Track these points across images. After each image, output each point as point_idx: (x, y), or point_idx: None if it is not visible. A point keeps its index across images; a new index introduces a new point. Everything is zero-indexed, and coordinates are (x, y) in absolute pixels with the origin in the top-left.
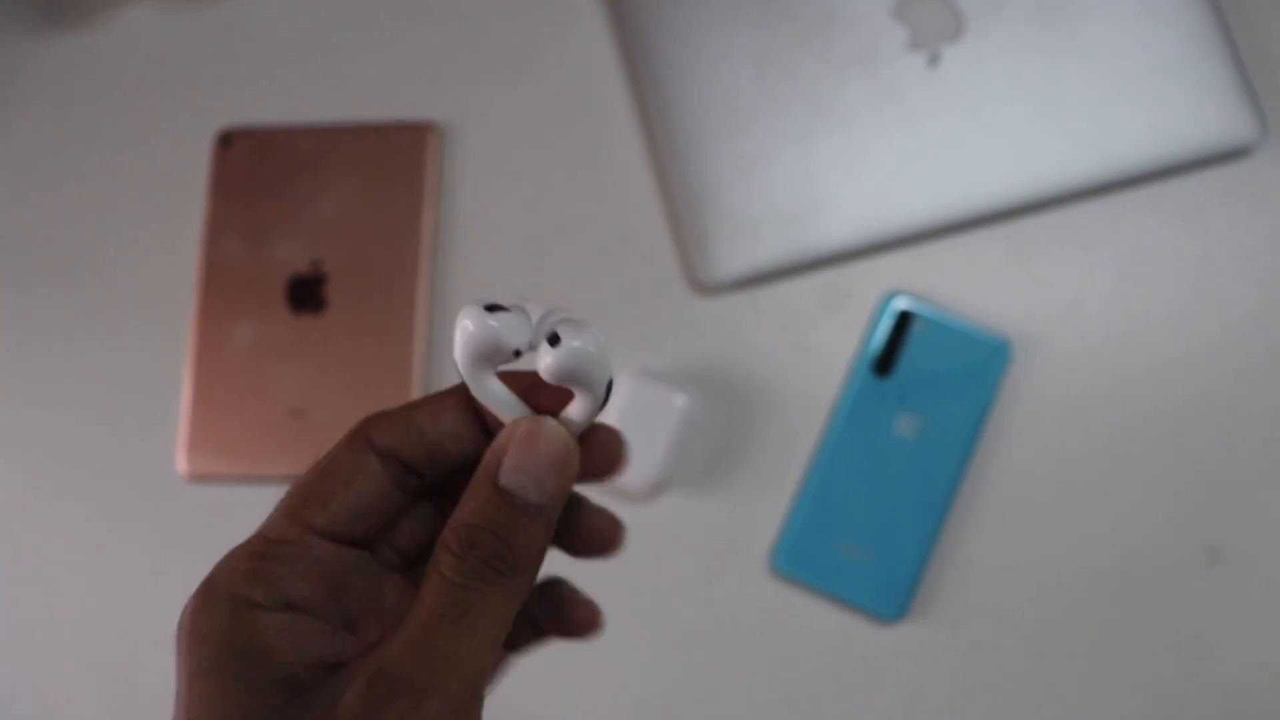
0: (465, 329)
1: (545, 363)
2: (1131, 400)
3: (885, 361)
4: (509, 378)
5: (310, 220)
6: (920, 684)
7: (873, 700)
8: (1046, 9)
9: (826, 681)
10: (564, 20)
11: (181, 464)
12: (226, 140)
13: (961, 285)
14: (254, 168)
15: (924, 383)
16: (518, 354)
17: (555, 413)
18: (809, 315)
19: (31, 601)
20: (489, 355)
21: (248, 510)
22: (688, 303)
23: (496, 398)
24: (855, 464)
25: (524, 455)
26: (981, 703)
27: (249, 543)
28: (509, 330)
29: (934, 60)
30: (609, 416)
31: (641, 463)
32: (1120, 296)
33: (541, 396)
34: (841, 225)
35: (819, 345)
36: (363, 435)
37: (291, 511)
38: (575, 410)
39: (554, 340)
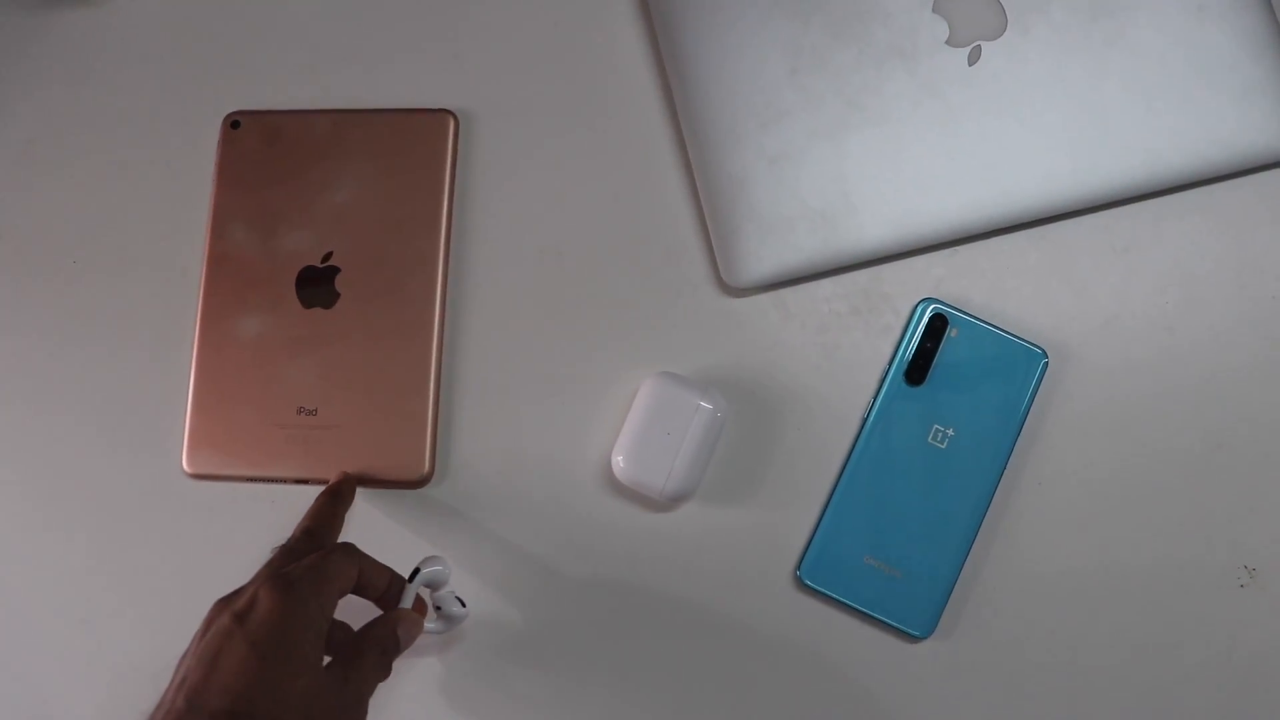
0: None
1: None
2: (1169, 414)
3: (918, 369)
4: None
5: (322, 209)
6: (948, 704)
7: (898, 719)
8: (1092, 5)
9: (850, 700)
10: (591, 7)
11: (185, 463)
12: (235, 124)
13: (997, 291)
14: (263, 153)
15: (958, 391)
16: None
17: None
18: (840, 319)
19: (35, 600)
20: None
21: (252, 510)
22: (715, 303)
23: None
24: (885, 474)
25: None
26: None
27: None
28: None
29: (974, 57)
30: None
31: (664, 468)
32: (1160, 306)
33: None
34: (875, 226)
35: (850, 350)
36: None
37: None
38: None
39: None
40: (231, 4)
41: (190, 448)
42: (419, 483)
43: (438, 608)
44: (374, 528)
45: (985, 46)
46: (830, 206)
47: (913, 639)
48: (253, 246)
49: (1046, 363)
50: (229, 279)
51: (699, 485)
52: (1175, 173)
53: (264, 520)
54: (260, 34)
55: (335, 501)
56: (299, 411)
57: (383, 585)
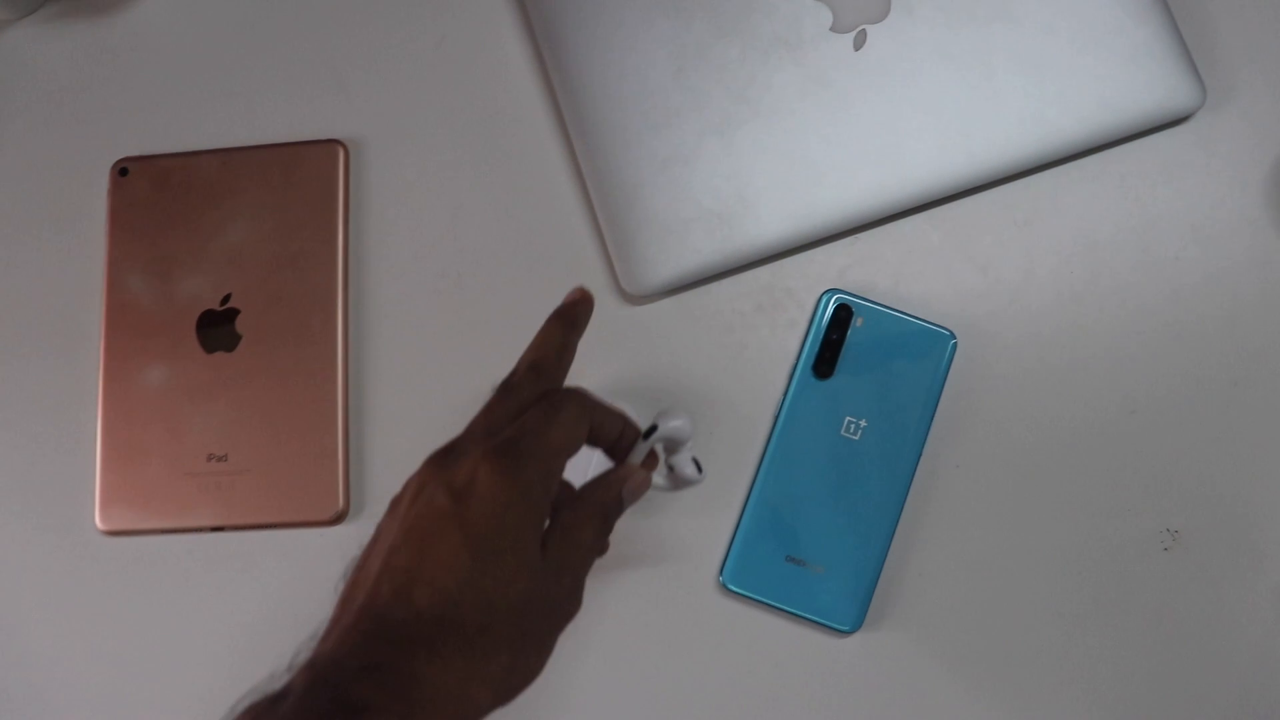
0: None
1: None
2: (1083, 383)
3: (825, 362)
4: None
5: (217, 251)
6: (883, 694)
7: (834, 715)
8: None
9: (785, 699)
10: (471, 25)
11: (99, 521)
12: (123, 171)
13: (901, 276)
14: (154, 198)
15: (868, 381)
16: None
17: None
18: (745, 318)
19: None
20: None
21: (173, 564)
22: (618, 313)
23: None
24: (800, 471)
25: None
26: (949, 707)
27: None
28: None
29: (860, 42)
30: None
31: (576, 484)
32: (1066, 275)
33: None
34: (773, 221)
35: (758, 349)
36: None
37: None
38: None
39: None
40: (108, 51)
41: (103, 505)
42: (335, 520)
43: (670, 467)
44: (290, 569)
45: (870, 30)
46: (726, 205)
47: (841, 634)
48: (151, 294)
49: (955, 344)
50: (129, 330)
51: None
52: (1070, 141)
53: (184, 571)
54: (142, 78)
55: (567, 327)
56: (209, 458)
57: (614, 435)
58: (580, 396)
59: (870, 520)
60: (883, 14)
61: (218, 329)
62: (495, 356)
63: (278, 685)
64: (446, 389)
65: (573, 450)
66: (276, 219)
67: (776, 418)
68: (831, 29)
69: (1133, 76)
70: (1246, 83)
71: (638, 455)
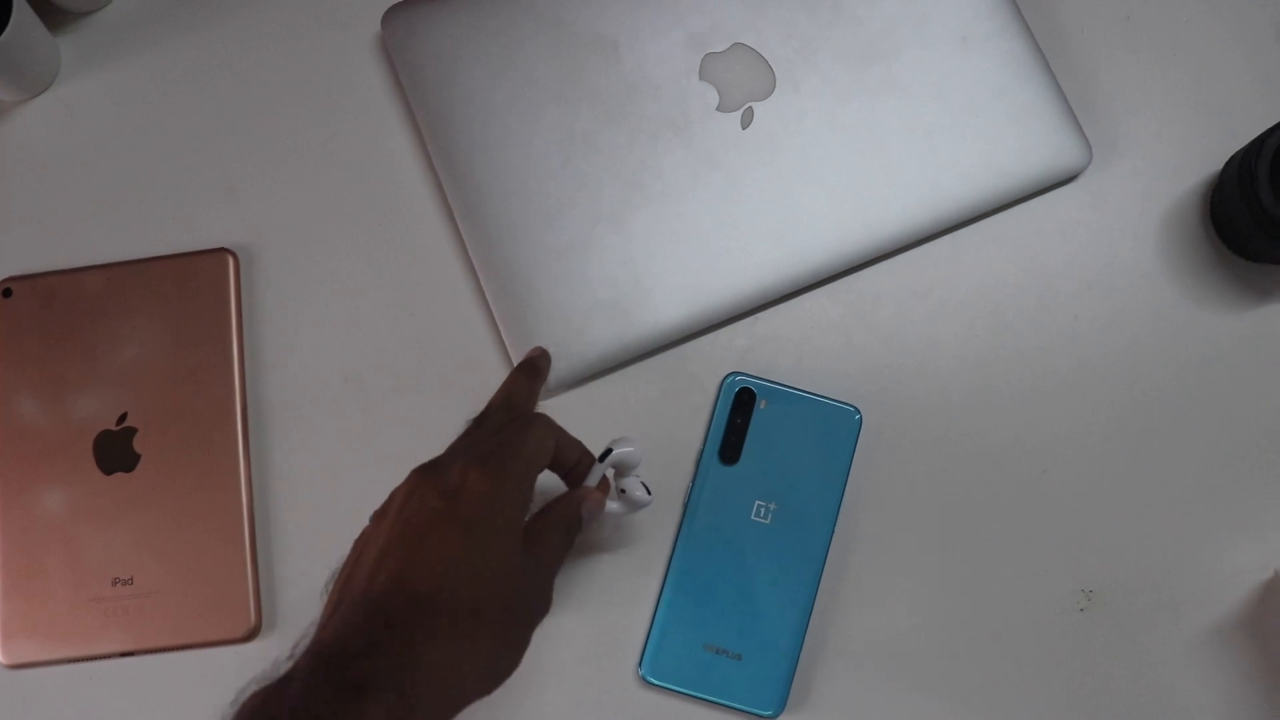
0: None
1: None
2: (993, 446)
3: (730, 447)
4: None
5: (110, 369)
6: None
7: None
8: (858, 50)
9: None
10: (357, 123)
11: (1, 655)
12: (7, 292)
13: (804, 353)
14: (41, 318)
15: (775, 463)
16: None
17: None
18: (651, 405)
19: None
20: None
21: (82, 694)
22: None
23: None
24: (712, 558)
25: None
26: None
27: None
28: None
29: (747, 120)
30: None
31: None
32: (969, 340)
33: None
34: (671, 307)
35: (665, 437)
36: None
37: None
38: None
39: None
40: None
41: (5, 638)
42: (248, 636)
43: (621, 490)
44: (205, 690)
45: (757, 107)
46: (623, 293)
47: (766, 719)
48: (43, 417)
49: (861, 418)
50: (23, 455)
51: None
52: (964, 207)
53: (94, 701)
54: (21, 193)
55: (532, 375)
56: (114, 583)
57: (573, 459)
58: (548, 418)
59: (786, 602)
60: (768, 90)
61: (115, 449)
62: (401, 458)
63: (282, 670)
64: (353, 492)
65: (544, 461)
66: (169, 333)
67: (685, 506)
68: (718, 109)
69: (1020, 139)
70: (1131, 137)
71: (593, 478)
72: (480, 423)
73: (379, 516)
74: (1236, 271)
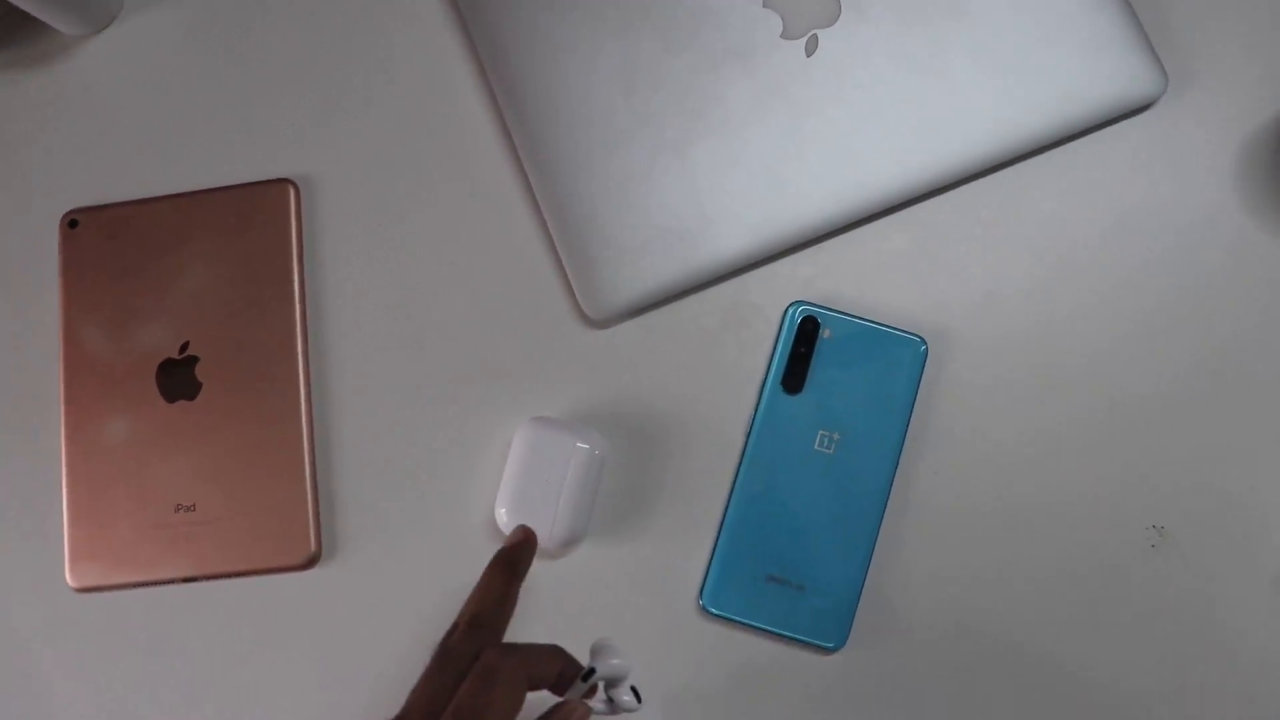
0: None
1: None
2: (1060, 382)
3: (794, 376)
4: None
5: (173, 299)
6: (872, 711)
7: None
8: None
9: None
10: (418, 56)
11: (70, 578)
12: (73, 223)
13: (868, 283)
14: (106, 249)
15: (839, 393)
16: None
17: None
18: (712, 336)
19: None
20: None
21: (146, 617)
22: (581, 338)
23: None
24: (776, 488)
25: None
26: None
27: None
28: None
29: (812, 47)
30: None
31: (548, 516)
32: (1036, 273)
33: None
34: (734, 236)
35: (726, 367)
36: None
37: None
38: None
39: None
40: (50, 102)
41: (72, 562)
42: (308, 564)
43: (609, 699)
44: (265, 616)
45: (821, 35)
46: (684, 223)
47: (827, 651)
48: (108, 347)
49: (926, 349)
50: (88, 384)
51: (587, 527)
52: (1032, 136)
53: (158, 624)
54: (87, 127)
55: (509, 576)
56: (177, 509)
57: (553, 676)
58: (513, 662)
59: (850, 534)
60: (833, 18)
61: (178, 378)
62: (462, 389)
63: None
64: (413, 424)
65: (515, 715)
66: (231, 263)
67: (748, 436)
68: (782, 36)
69: (1092, 66)
70: (1208, 65)
71: (576, 692)
72: (444, 657)
73: None
74: None
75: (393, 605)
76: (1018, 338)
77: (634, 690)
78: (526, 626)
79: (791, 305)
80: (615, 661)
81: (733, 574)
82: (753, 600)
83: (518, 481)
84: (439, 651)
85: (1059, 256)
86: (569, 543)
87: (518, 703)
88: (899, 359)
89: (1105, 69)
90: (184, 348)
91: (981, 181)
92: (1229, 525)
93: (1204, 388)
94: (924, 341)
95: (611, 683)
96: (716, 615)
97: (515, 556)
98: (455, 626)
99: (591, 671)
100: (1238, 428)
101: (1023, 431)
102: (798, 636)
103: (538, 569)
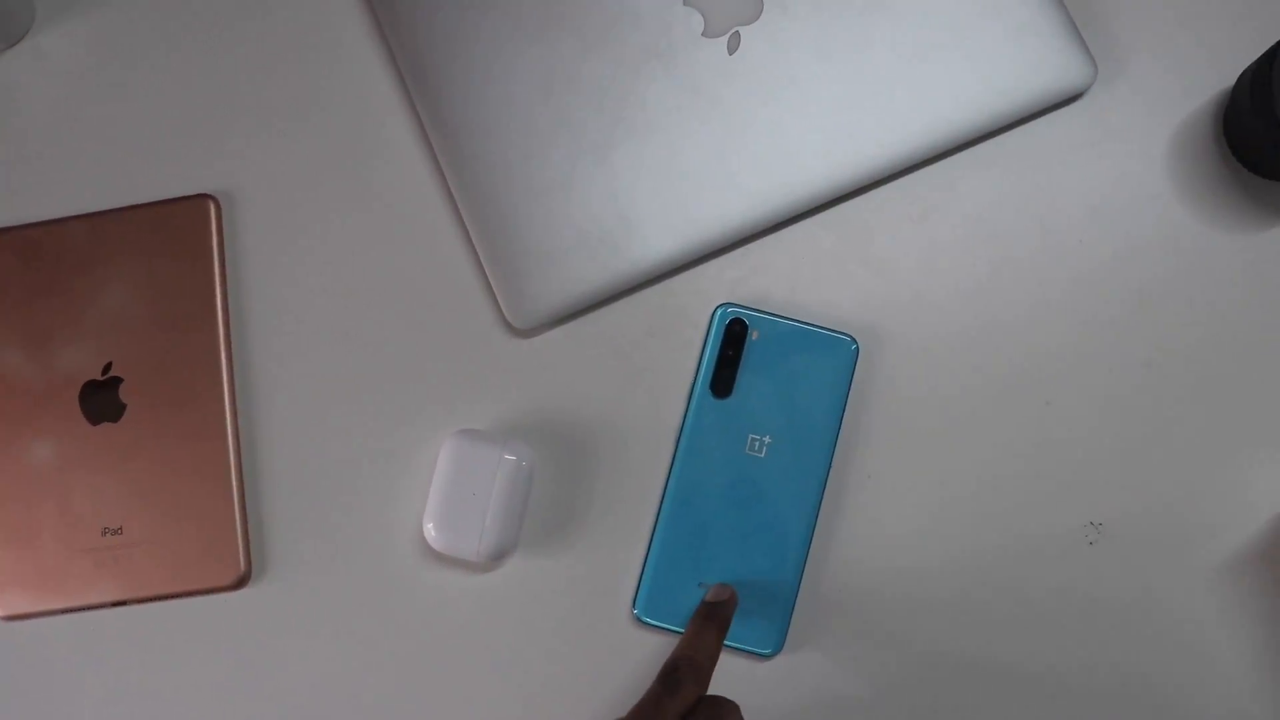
0: None
1: None
2: (994, 378)
3: (722, 380)
4: None
5: (94, 319)
6: (811, 716)
7: None
8: None
9: None
10: (335, 66)
11: None
12: None
13: (797, 284)
14: (22, 271)
15: (769, 395)
16: None
17: None
18: (639, 342)
19: None
20: None
21: (76, 644)
22: (508, 348)
23: None
24: (706, 495)
25: None
26: None
27: None
28: None
29: (734, 45)
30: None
31: (475, 529)
32: (968, 268)
33: None
34: (658, 240)
35: (654, 373)
36: None
37: None
38: None
39: None
40: None
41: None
42: (239, 584)
43: None
44: (196, 638)
45: (743, 32)
46: (607, 228)
47: (764, 658)
48: (30, 369)
49: (857, 349)
50: (9, 408)
51: (517, 540)
52: (960, 130)
53: (88, 650)
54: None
55: (720, 631)
56: (104, 532)
57: None
58: (737, 710)
59: (783, 539)
60: (755, 14)
61: (101, 399)
62: (389, 404)
63: None
64: (341, 440)
65: None
66: (152, 281)
67: (678, 442)
68: (703, 34)
69: (1020, 56)
70: (1137, 54)
71: None
72: (671, 686)
73: None
74: (1251, 190)
75: (324, 623)
76: (951, 335)
77: None
78: (461, 642)
79: (719, 307)
80: None
81: (666, 582)
82: (686, 608)
83: (445, 495)
84: (663, 678)
85: (990, 251)
86: (499, 555)
87: None
88: (830, 359)
89: (1033, 59)
90: (107, 369)
91: (910, 177)
92: (1166, 522)
93: (1140, 381)
94: (855, 341)
95: None
96: (651, 624)
97: (724, 612)
98: (677, 665)
99: None
100: (1173, 419)
101: (958, 430)
102: (733, 644)
103: (468, 582)
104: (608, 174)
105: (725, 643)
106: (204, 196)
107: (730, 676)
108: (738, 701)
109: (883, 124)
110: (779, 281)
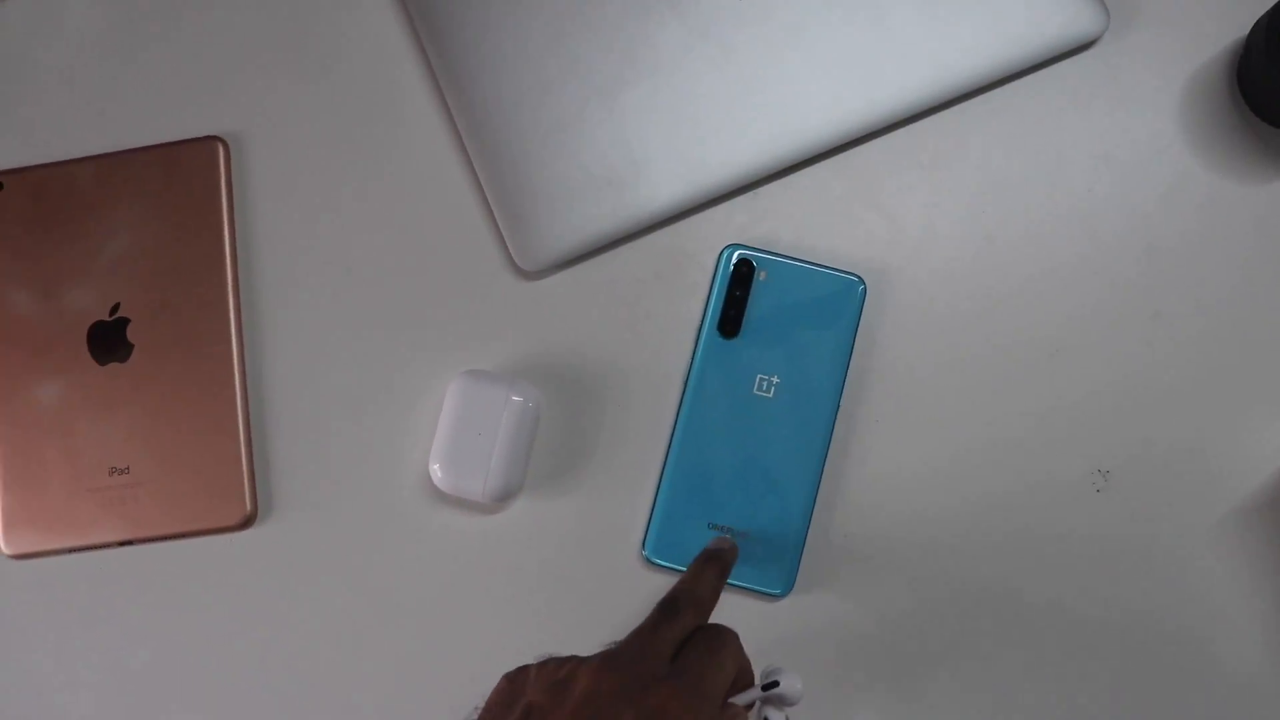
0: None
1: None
2: (1001, 326)
3: (730, 320)
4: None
5: (102, 260)
6: (820, 655)
7: None
8: None
9: None
10: (343, 8)
11: (3, 545)
12: None
13: (805, 228)
14: (32, 212)
15: (777, 336)
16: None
17: None
18: (646, 285)
19: None
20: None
21: (83, 583)
22: (514, 290)
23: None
24: (715, 435)
25: None
26: (886, 665)
27: None
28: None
29: None
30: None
31: (481, 470)
32: (976, 215)
33: None
34: (665, 183)
35: (662, 315)
36: None
37: None
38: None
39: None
40: None
41: (7, 529)
42: (244, 524)
43: (765, 718)
44: (202, 578)
45: None
46: (616, 171)
47: (774, 598)
48: (37, 310)
49: (865, 289)
50: (17, 348)
51: (523, 481)
52: (970, 77)
53: (95, 589)
54: (7, 89)
55: (720, 572)
56: (111, 472)
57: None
58: (735, 637)
59: (792, 479)
60: None
61: (109, 340)
62: (395, 345)
63: None
64: (347, 382)
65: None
66: (161, 223)
67: (686, 382)
68: None
69: (1031, 3)
70: (1150, 2)
71: (744, 698)
72: (670, 614)
73: (557, 689)
74: (1265, 140)
75: (330, 563)
76: (959, 280)
77: None
78: (467, 582)
79: (726, 248)
80: (797, 686)
81: (675, 523)
82: (696, 549)
83: (451, 436)
84: (662, 607)
85: (999, 199)
86: (504, 496)
87: (731, 674)
88: (837, 300)
89: (1044, 6)
90: (115, 309)
91: (919, 124)
92: (1173, 471)
93: (1147, 330)
94: (862, 281)
95: (777, 705)
96: (660, 565)
97: (725, 557)
98: (676, 596)
99: (773, 684)
100: (1181, 369)
101: (965, 376)
102: (743, 585)
103: (474, 523)
104: (617, 117)
105: (737, 583)
106: (212, 138)
107: (743, 615)
108: (749, 640)
109: (892, 70)
110: (787, 226)
